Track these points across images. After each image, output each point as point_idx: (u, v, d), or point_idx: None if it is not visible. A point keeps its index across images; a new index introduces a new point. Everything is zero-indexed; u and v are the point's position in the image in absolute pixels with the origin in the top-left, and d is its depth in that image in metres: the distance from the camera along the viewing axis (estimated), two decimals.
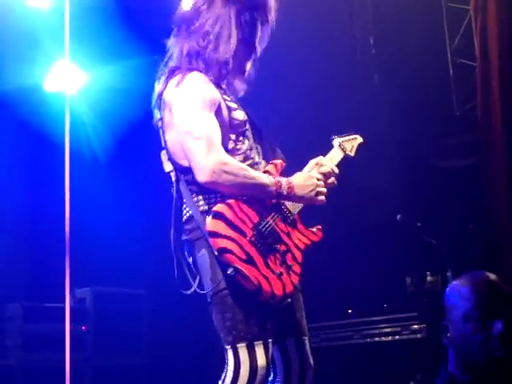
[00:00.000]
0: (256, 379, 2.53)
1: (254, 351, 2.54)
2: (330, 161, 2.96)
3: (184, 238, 2.70)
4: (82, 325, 5.83)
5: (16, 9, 5.75)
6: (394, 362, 4.97)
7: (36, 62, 6.10)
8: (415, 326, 4.97)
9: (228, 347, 2.57)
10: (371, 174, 5.73)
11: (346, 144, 3.12)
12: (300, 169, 2.89)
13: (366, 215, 5.94)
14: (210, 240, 2.52)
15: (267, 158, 2.86)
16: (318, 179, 2.77)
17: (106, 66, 6.17)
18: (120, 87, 6.09)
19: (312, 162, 2.92)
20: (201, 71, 2.73)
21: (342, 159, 3.07)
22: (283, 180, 2.69)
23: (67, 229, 4.87)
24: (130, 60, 5.99)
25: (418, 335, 4.93)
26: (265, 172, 2.75)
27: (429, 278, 5.28)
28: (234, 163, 2.62)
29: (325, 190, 2.78)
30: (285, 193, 2.66)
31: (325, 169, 2.87)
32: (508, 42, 5.05)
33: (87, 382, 5.76)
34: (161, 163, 2.80)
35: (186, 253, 2.70)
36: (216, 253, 2.52)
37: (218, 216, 2.55)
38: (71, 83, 5.77)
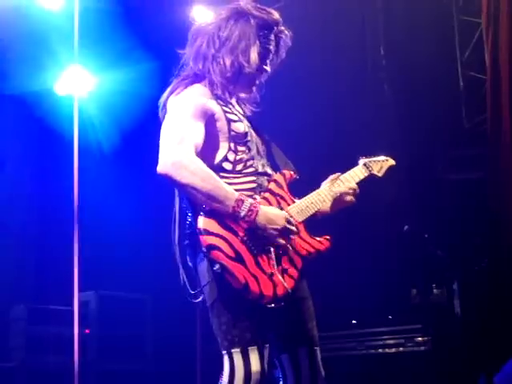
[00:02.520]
0: None
1: (248, 357, 2.53)
2: (351, 178, 2.94)
3: (185, 242, 2.68)
4: (86, 328, 5.83)
5: (28, 14, 5.80)
6: (397, 374, 4.94)
7: (48, 67, 6.17)
8: (419, 339, 4.94)
9: (224, 352, 2.57)
10: (379, 184, 5.70)
11: (374, 164, 3.09)
12: (311, 181, 2.86)
13: (373, 226, 5.93)
14: (200, 238, 2.52)
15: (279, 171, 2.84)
16: (291, 224, 2.62)
17: (115, 70, 6.22)
18: (129, 90, 6.14)
19: (330, 178, 2.91)
20: (204, 84, 2.75)
21: (366, 178, 3.05)
22: (249, 201, 2.55)
23: (76, 232, 4.87)
24: (139, 64, 6.04)
25: (422, 348, 4.90)
26: (272, 181, 2.75)
27: (434, 291, 5.26)
28: (199, 164, 2.55)
29: (291, 236, 2.61)
30: (242, 214, 2.53)
31: (340, 189, 2.87)
32: None
33: None
34: None
35: (187, 258, 2.69)
36: (204, 249, 2.52)
37: (212, 214, 2.54)
38: (81, 87, 5.83)
